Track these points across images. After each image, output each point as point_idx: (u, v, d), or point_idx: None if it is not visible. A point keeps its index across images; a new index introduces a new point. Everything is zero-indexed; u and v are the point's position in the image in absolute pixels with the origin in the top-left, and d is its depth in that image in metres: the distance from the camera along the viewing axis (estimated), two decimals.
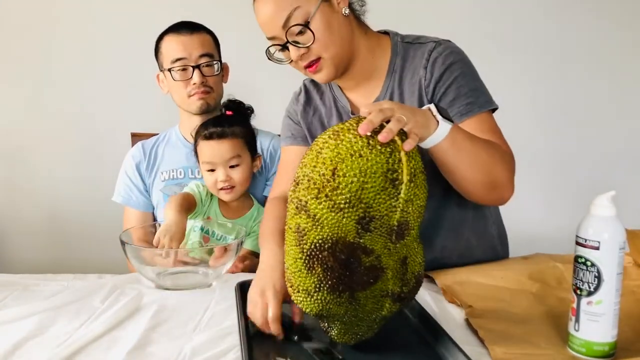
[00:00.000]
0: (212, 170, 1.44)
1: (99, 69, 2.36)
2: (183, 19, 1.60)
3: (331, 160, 0.77)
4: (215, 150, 1.44)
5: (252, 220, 1.50)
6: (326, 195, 0.77)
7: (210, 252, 1.22)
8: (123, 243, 1.15)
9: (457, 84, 1.15)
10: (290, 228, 0.82)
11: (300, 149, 1.31)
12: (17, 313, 1.02)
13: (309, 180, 0.79)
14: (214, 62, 1.57)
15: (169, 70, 1.53)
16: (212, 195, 1.50)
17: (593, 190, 0.89)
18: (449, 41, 1.21)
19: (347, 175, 0.75)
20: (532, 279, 1.13)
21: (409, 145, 0.78)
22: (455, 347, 0.84)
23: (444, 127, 0.94)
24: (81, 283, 1.19)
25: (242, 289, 1.07)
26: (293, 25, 1.10)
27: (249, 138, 1.50)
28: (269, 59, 1.18)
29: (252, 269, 1.35)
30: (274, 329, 0.91)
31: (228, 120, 1.47)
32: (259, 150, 1.60)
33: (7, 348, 0.89)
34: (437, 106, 0.95)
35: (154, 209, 1.61)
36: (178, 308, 1.05)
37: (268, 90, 2.17)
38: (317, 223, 0.78)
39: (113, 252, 1.15)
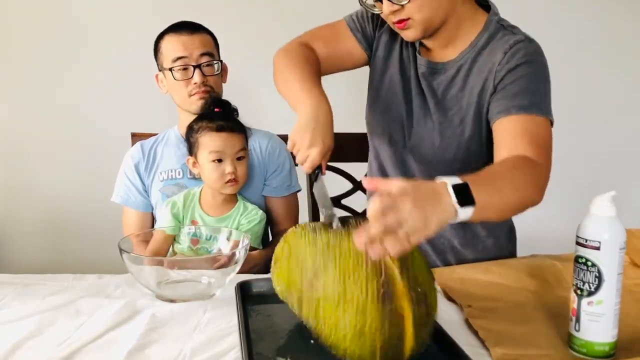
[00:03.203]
0: (219, 162, 1.44)
1: (99, 69, 2.35)
2: (182, 19, 1.59)
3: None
4: (227, 141, 1.44)
5: (240, 215, 1.50)
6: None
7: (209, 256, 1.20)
8: (121, 251, 1.10)
9: (527, 80, 1.14)
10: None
11: (352, 38, 1.34)
12: (16, 313, 1.02)
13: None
14: (215, 62, 1.57)
15: (170, 69, 1.53)
16: (191, 200, 1.50)
17: (593, 191, 0.89)
18: (537, 43, 1.20)
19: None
20: (531, 276, 1.14)
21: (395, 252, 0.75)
22: (456, 348, 0.84)
23: (465, 214, 0.85)
24: (81, 283, 1.18)
25: (242, 289, 1.07)
26: None
27: (246, 137, 1.51)
28: (360, 4, 1.20)
29: (248, 270, 1.35)
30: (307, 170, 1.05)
31: (232, 117, 1.49)
32: (257, 150, 1.60)
33: (7, 348, 0.89)
34: (455, 186, 0.84)
35: (152, 209, 1.61)
36: (178, 308, 1.05)
37: (266, 90, 2.16)
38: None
39: (113, 252, 1.15)
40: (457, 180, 0.85)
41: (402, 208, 0.75)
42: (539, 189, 1.05)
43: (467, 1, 1.22)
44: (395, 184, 0.78)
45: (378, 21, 1.34)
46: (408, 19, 1.15)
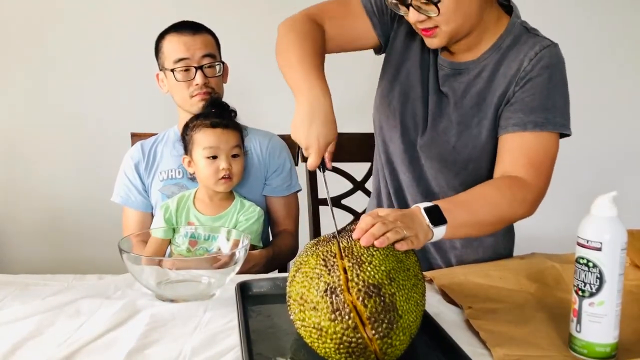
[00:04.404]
0: (214, 158, 1.44)
1: (99, 69, 2.35)
2: (183, 19, 1.59)
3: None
4: (222, 137, 1.44)
5: (237, 212, 1.49)
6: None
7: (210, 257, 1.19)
8: (121, 251, 1.09)
9: (546, 94, 1.15)
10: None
11: (366, 21, 1.28)
12: (16, 313, 1.02)
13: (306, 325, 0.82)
14: (216, 63, 1.56)
15: (172, 70, 1.53)
16: (185, 203, 1.49)
17: (594, 191, 0.89)
18: (559, 48, 1.19)
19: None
20: (531, 279, 1.13)
21: (401, 246, 0.86)
22: (456, 348, 0.83)
23: (439, 232, 0.98)
24: (81, 283, 1.18)
25: (242, 289, 1.07)
26: None
27: (242, 136, 1.51)
28: (385, 3, 1.16)
29: (248, 269, 1.35)
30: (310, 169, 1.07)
31: (228, 116, 1.48)
32: (257, 150, 1.60)
33: (7, 348, 0.89)
34: (427, 210, 0.97)
35: (152, 209, 1.60)
36: (178, 308, 1.05)
37: (266, 90, 2.17)
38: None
39: (113, 253, 1.15)
40: (429, 204, 0.99)
41: (390, 219, 0.89)
42: (526, 206, 1.12)
43: (493, 8, 1.20)
44: (379, 210, 0.92)
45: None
46: (435, 27, 1.13)
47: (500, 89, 1.19)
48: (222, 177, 1.44)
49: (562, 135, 1.18)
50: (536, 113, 1.14)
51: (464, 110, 1.23)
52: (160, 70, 1.60)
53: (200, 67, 1.52)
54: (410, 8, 1.11)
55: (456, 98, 1.24)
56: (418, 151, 1.31)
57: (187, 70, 1.52)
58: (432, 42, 1.18)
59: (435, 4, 1.08)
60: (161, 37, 1.58)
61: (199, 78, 1.52)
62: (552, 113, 1.15)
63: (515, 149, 1.15)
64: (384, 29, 1.30)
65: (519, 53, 1.18)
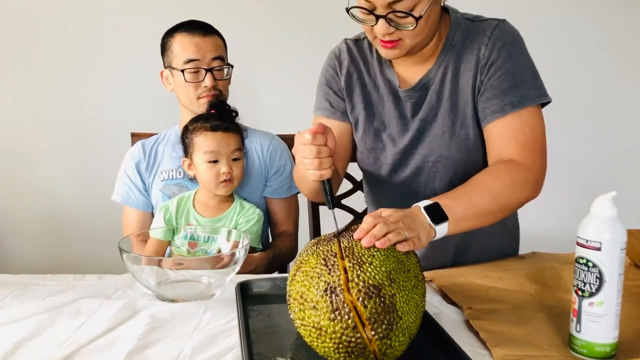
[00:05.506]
0: (214, 162, 1.44)
1: (99, 69, 2.35)
2: (183, 19, 1.59)
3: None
4: (222, 141, 1.44)
5: (237, 214, 1.49)
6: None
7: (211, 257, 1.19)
8: (121, 251, 1.09)
9: (513, 72, 1.15)
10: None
11: (340, 125, 1.31)
12: (16, 313, 1.02)
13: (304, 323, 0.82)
14: (225, 66, 1.56)
15: (181, 70, 1.52)
16: (185, 204, 1.49)
17: (594, 191, 0.89)
18: (508, 22, 1.20)
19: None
20: (531, 279, 1.13)
21: (402, 247, 0.86)
22: (456, 348, 0.83)
23: (442, 229, 0.98)
24: (81, 283, 1.18)
25: (242, 289, 1.07)
26: (400, 11, 1.07)
27: (242, 138, 1.51)
28: (346, 10, 1.12)
29: (249, 271, 1.35)
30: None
31: (228, 118, 1.48)
32: (258, 151, 1.60)
33: (7, 348, 0.89)
34: (427, 208, 0.97)
35: (153, 208, 1.60)
36: (178, 308, 1.05)
37: (267, 90, 2.17)
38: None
39: (113, 252, 1.15)
40: (428, 201, 0.98)
41: (392, 220, 0.89)
42: (529, 187, 1.11)
43: (443, 17, 1.21)
44: (382, 210, 0.93)
45: (335, 82, 1.32)
46: (399, 40, 1.12)
47: (468, 84, 1.19)
48: (223, 181, 1.44)
49: (544, 105, 1.18)
50: (510, 93, 1.14)
51: (443, 118, 1.22)
52: (166, 68, 1.59)
53: (210, 70, 1.52)
54: (380, 20, 1.08)
55: (435, 111, 1.23)
56: (411, 181, 1.29)
57: (196, 71, 1.52)
58: (390, 54, 1.16)
59: (417, 19, 1.07)
60: (170, 34, 1.56)
61: (208, 80, 1.51)
62: (524, 88, 1.15)
63: (502, 136, 1.15)
64: (340, 108, 1.32)
65: (472, 43, 1.18)
